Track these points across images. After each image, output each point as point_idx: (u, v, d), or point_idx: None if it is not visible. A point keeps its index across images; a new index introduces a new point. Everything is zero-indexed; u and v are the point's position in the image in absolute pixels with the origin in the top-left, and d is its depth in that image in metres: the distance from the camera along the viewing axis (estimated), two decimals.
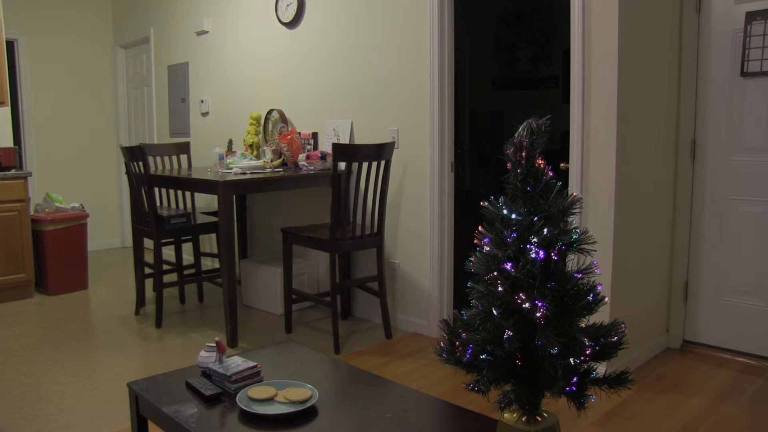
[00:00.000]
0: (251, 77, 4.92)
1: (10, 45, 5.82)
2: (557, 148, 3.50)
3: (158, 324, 3.98)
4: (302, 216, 4.45)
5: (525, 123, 1.19)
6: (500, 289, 1.15)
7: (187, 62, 5.59)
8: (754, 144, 3.24)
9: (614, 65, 2.92)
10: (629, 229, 3.14)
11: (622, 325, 1.22)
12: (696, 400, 2.85)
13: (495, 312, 1.16)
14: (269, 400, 1.66)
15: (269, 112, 4.71)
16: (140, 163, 3.90)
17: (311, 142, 4.36)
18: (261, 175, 3.78)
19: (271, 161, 4.16)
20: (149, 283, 4.49)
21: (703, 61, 3.37)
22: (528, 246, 1.14)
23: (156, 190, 4.10)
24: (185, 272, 4.59)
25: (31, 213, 4.85)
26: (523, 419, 1.20)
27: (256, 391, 1.69)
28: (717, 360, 3.34)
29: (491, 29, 5.89)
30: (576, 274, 1.15)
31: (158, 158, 4.67)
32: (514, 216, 1.17)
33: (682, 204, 3.49)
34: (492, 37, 5.89)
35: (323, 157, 4.01)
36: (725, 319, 3.39)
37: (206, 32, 5.31)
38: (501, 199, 1.22)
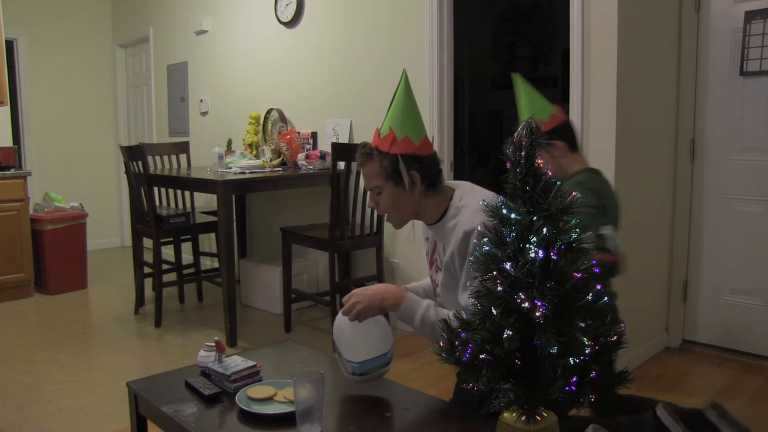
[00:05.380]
0: (250, 76, 4.91)
1: (10, 44, 5.81)
2: None
3: (157, 323, 3.98)
4: (301, 215, 4.45)
5: (524, 122, 1.19)
6: (500, 288, 1.15)
7: (187, 62, 5.58)
8: (753, 143, 3.24)
9: (614, 65, 2.92)
10: (629, 228, 3.14)
11: (622, 325, 1.22)
12: (695, 399, 2.85)
13: (494, 311, 1.16)
14: (268, 399, 1.66)
15: (268, 112, 4.71)
16: (139, 163, 3.89)
17: (310, 141, 4.36)
18: (260, 175, 3.78)
19: (271, 161, 4.16)
20: (148, 282, 4.48)
21: (702, 61, 3.36)
22: (527, 245, 1.14)
23: (155, 189, 4.09)
24: (184, 272, 4.58)
25: (31, 212, 4.84)
26: (523, 419, 1.20)
27: (256, 391, 1.69)
28: (716, 359, 3.34)
29: (491, 29, 5.87)
30: (576, 274, 1.15)
31: (157, 158, 4.66)
32: (513, 215, 1.17)
33: (682, 203, 3.49)
34: (491, 36, 5.88)
35: (322, 156, 4.01)
36: (725, 318, 3.39)
37: (205, 32, 5.30)
38: (500, 199, 1.22)
